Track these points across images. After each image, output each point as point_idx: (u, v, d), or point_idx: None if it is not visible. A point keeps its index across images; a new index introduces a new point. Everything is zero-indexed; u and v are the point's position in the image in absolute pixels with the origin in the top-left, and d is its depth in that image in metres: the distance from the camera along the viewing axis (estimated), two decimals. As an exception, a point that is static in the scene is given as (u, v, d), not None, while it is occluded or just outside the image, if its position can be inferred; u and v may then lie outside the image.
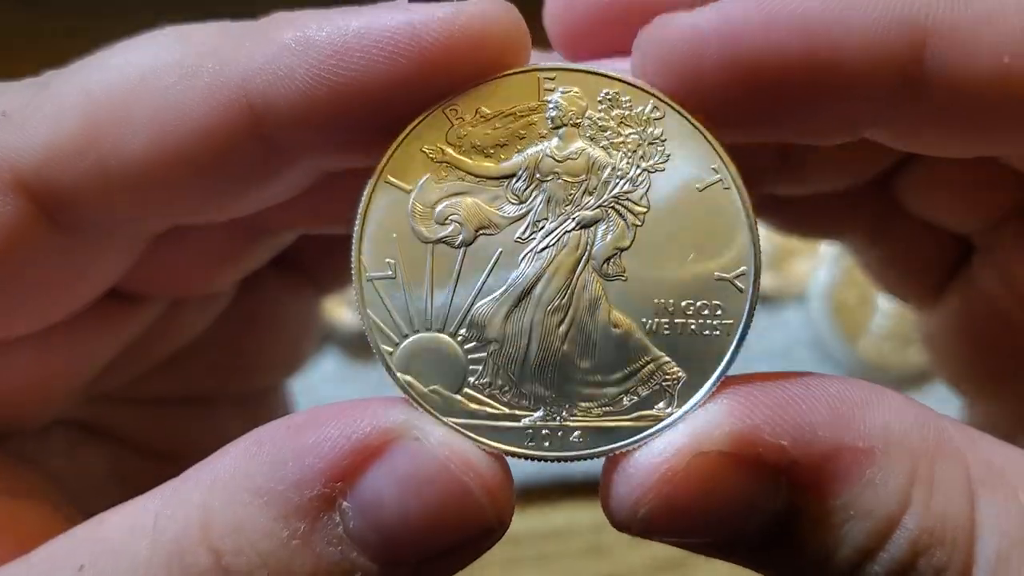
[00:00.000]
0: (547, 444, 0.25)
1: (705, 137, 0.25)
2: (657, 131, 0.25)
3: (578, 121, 0.25)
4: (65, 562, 0.24)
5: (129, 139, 0.25)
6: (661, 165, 0.25)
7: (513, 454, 0.25)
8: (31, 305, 0.28)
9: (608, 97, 0.25)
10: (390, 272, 0.25)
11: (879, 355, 0.65)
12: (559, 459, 0.25)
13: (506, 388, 0.25)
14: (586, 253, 0.25)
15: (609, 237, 0.25)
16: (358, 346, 0.66)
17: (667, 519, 0.23)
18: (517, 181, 0.25)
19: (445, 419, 0.25)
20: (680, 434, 0.24)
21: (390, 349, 0.25)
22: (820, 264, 0.68)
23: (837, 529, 0.23)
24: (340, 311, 0.66)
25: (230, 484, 0.23)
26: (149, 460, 0.36)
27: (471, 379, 0.25)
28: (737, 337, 0.25)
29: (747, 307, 0.25)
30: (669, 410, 0.25)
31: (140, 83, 0.25)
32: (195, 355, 0.36)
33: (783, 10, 0.24)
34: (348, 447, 0.23)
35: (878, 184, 0.37)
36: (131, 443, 0.36)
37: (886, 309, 0.67)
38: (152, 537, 0.23)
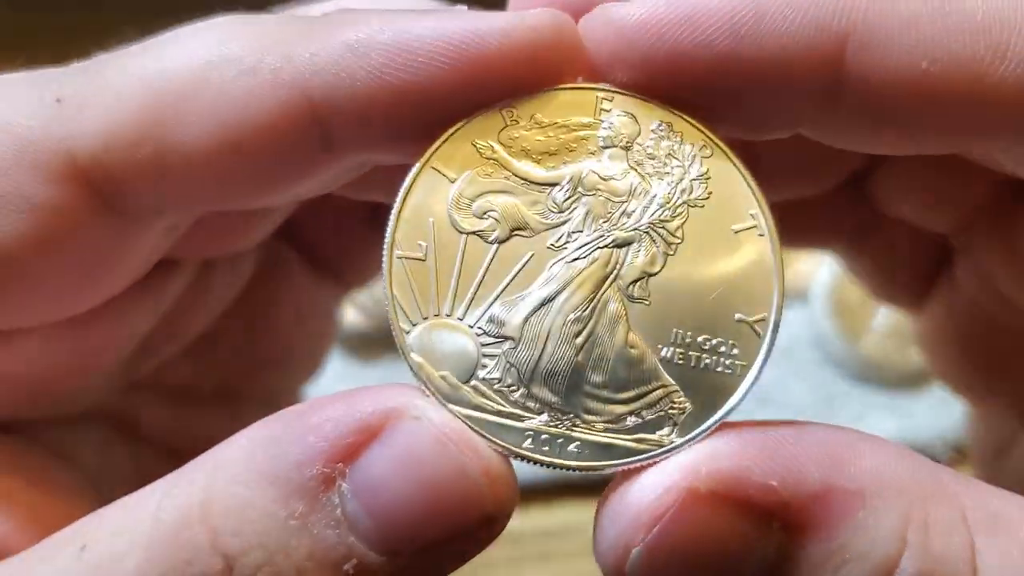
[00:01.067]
0: (545, 449, 0.25)
1: (748, 183, 0.26)
2: (703, 169, 0.26)
3: (628, 145, 0.26)
4: (68, 544, 0.24)
5: (187, 131, 0.25)
6: (701, 202, 0.26)
7: (510, 452, 0.25)
8: (81, 287, 0.28)
9: (660, 128, 0.26)
10: (421, 254, 0.25)
11: (881, 354, 0.65)
12: (554, 466, 0.25)
13: (514, 387, 0.25)
14: (615, 272, 0.26)
15: (640, 260, 0.26)
16: (360, 346, 0.67)
17: (661, 562, 0.23)
18: (559, 191, 0.26)
19: (449, 406, 0.25)
20: (669, 473, 0.24)
21: (407, 328, 0.25)
22: (822, 264, 0.68)
23: (833, 573, 0.23)
24: (345, 310, 0.67)
25: (233, 466, 0.23)
26: (172, 461, 0.36)
27: (481, 372, 0.25)
28: (749, 380, 0.25)
29: (763, 353, 0.25)
30: (671, 438, 0.25)
31: (200, 75, 0.25)
32: (220, 341, 0.37)
33: (708, 6, 0.25)
34: (348, 426, 0.23)
35: (854, 189, 0.37)
36: (157, 443, 0.36)
37: (888, 308, 0.67)
38: (154, 517, 0.23)
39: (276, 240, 0.37)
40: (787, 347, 0.67)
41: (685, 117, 0.26)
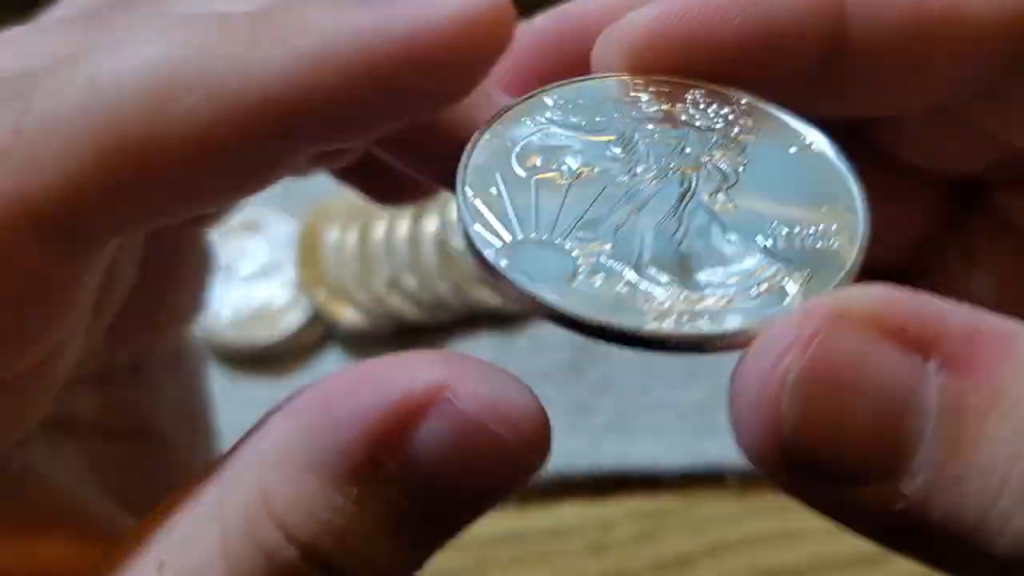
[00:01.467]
0: (682, 324, 0.23)
1: (791, 115, 0.27)
2: (747, 121, 0.27)
3: (670, 105, 0.27)
4: (145, 564, 0.24)
5: (150, 164, 0.24)
6: (752, 137, 0.27)
7: (650, 336, 0.23)
8: (43, 335, 0.27)
9: (694, 98, 0.27)
10: (495, 193, 0.25)
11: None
12: (694, 340, 0.23)
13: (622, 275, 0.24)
14: (692, 189, 0.26)
15: (714, 176, 0.26)
16: (359, 345, 0.67)
17: (820, 393, 0.21)
18: (619, 140, 0.26)
19: (561, 308, 0.23)
20: (814, 305, 0.22)
21: (496, 245, 0.24)
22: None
23: (1007, 418, 0.21)
24: (341, 309, 0.66)
25: (279, 462, 0.24)
26: (113, 443, 0.36)
27: (581, 277, 0.24)
28: (859, 245, 0.24)
29: (862, 224, 0.25)
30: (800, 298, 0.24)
31: (154, 106, 0.24)
32: (126, 315, 0.36)
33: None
34: (384, 414, 0.23)
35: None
36: (96, 429, 0.36)
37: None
38: (220, 522, 0.24)
39: None
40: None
41: (714, 86, 0.27)
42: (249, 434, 0.25)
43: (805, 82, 0.28)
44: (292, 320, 0.66)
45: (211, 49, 0.24)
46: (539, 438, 0.24)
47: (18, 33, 0.28)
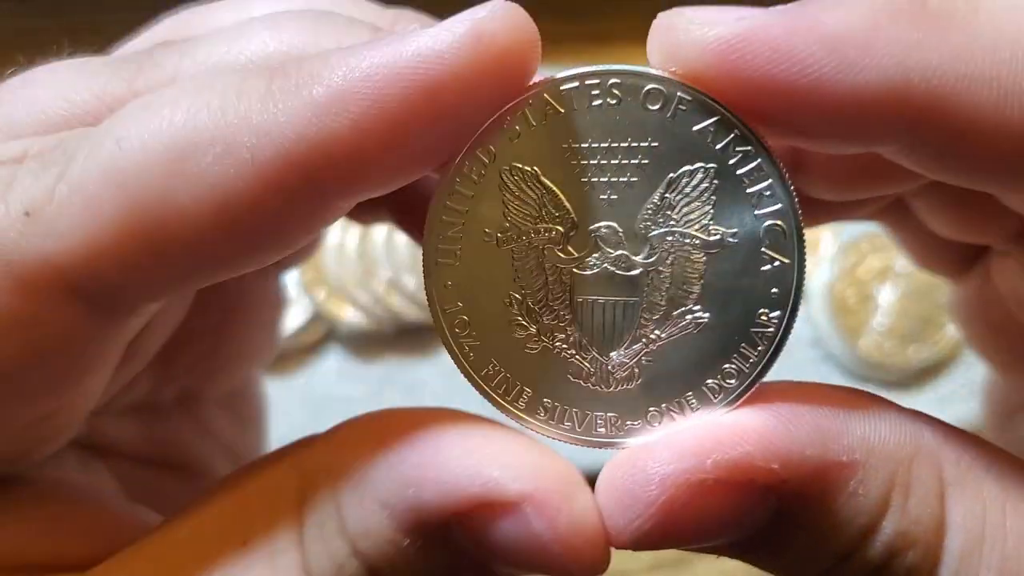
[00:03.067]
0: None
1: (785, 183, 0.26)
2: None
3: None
4: (227, 537, 0.26)
5: (172, 224, 0.24)
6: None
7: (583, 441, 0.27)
8: (68, 386, 0.27)
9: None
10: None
11: (880, 353, 0.66)
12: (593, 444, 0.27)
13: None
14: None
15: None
16: (360, 345, 0.67)
17: (660, 533, 0.25)
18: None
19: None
20: (676, 456, 0.24)
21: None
22: (820, 263, 0.69)
23: (820, 536, 0.25)
24: (341, 309, 0.67)
25: (358, 487, 0.25)
26: (147, 469, 0.36)
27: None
28: (772, 345, 0.26)
29: (786, 315, 0.26)
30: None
31: (176, 168, 0.24)
32: (177, 351, 0.36)
33: (791, 48, 0.24)
34: (464, 499, 0.24)
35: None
36: (131, 455, 0.36)
37: (886, 308, 0.67)
38: (299, 521, 0.25)
39: None
40: (787, 346, 0.67)
41: (736, 119, 0.25)
42: (333, 434, 0.26)
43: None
44: (293, 320, 0.66)
45: (228, 107, 0.24)
46: (599, 565, 0.25)
47: (67, 75, 0.28)
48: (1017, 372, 0.41)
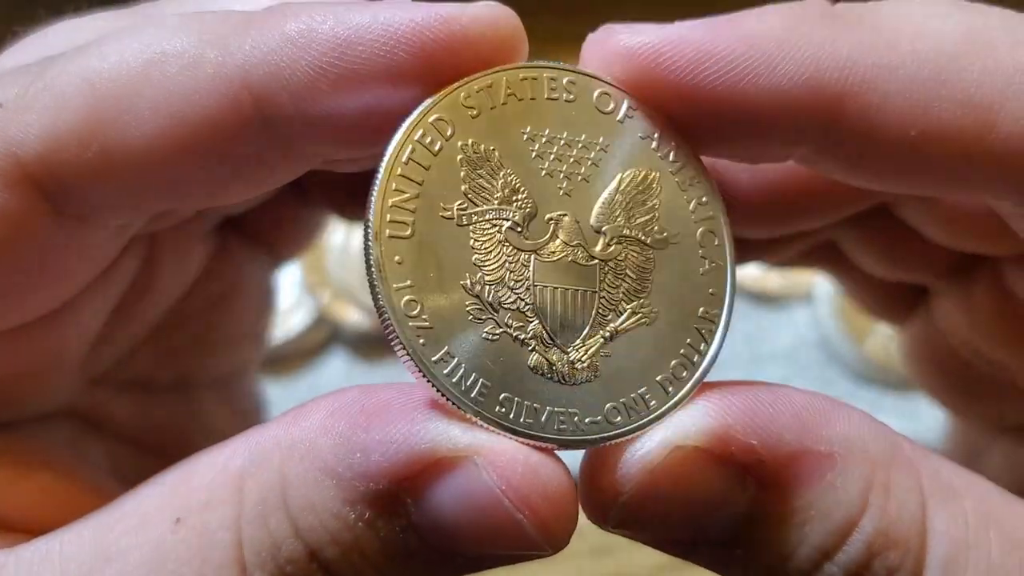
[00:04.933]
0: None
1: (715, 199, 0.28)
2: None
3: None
4: (159, 514, 0.25)
5: (133, 129, 0.25)
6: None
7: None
8: (35, 292, 0.28)
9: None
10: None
11: (885, 355, 0.65)
12: (551, 441, 0.25)
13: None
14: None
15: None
16: (364, 345, 0.67)
17: (644, 508, 0.24)
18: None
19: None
20: (660, 430, 0.25)
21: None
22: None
23: (798, 528, 0.25)
24: (345, 310, 0.67)
25: (305, 457, 0.24)
26: (142, 456, 0.37)
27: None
28: (717, 340, 0.27)
29: (724, 312, 0.27)
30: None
31: (142, 72, 0.25)
32: (176, 329, 0.37)
33: (713, 48, 0.25)
34: (411, 457, 0.24)
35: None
36: (127, 438, 0.36)
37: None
38: (239, 497, 0.25)
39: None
40: (792, 347, 0.67)
41: (673, 131, 0.27)
42: (287, 413, 0.26)
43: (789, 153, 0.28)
44: (297, 321, 0.66)
45: (206, 30, 0.25)
46: (559, 526, 0.24)
47: (74, 22, 0.30)
48: (971, 412, 0.41)
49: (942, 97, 0.25)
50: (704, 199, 0.27)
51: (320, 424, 0.24)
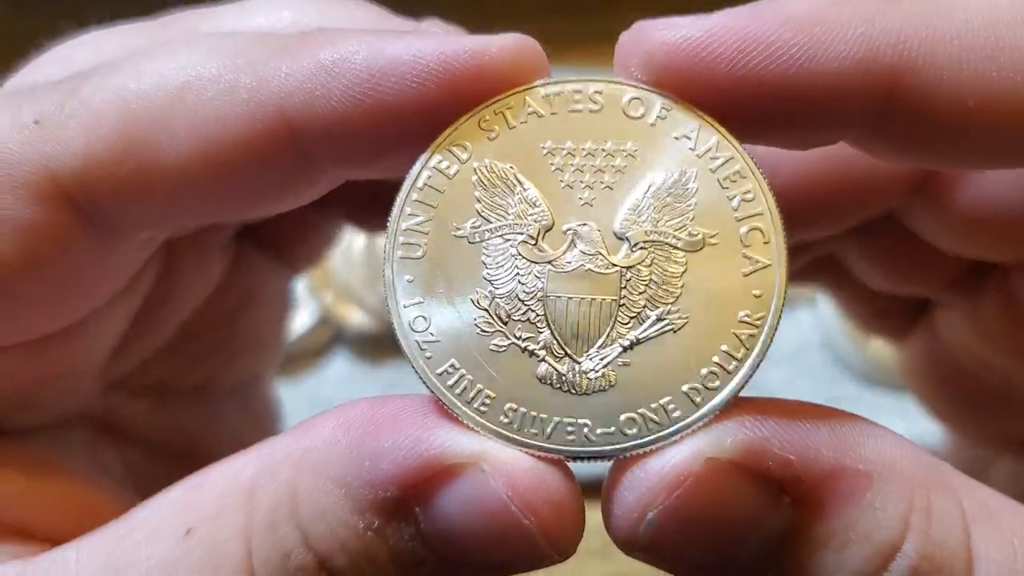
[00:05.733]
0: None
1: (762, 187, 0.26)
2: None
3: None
4: (171, 526, 0.25)
5: (167, 149, 0.26)
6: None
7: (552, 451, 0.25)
8: (66, 303, 0.28)
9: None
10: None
11: (889, 356, 0.65)
12: (585, 455, 0.25)
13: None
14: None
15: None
16: (367, 348, 0.67)
17: (675, 527, 0.24)
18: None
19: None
20: (692, 442, 0.24)
21: None
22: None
23: (836, 552, 0.24)
24: (348, 311, 0.67)
25: (315, 467, 0.24)
26: (159, 462, 0.37)
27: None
28: (759, 345, 0.25)
29: (771, 315, 0.25)
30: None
31: (178, 94, 0.26)
32: (194, 336, 0.37)
33: (758, 33, 0.25)
34: (420, 464, 0.24)
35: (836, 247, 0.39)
36: (143, 442, 0.37)
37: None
38: (249, 507, 0.25)
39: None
40: (796, 349, 0.67)
41: (716, 126, 0.26)
42: (298, 426, 0.26)
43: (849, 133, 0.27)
44: (300, 322, 0.66)
45: (240, 54, 0.26)
46: (566, 533, 0.24)
47: (98, 35, 0.31)
48: (974, 427, 0.41)
49: (1000, 65, 0.24)
50: (750, 195, 0.26)
51: (330, 435, 0.25)
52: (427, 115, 0.26)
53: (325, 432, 0.25)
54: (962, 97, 0.25)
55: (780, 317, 0.25)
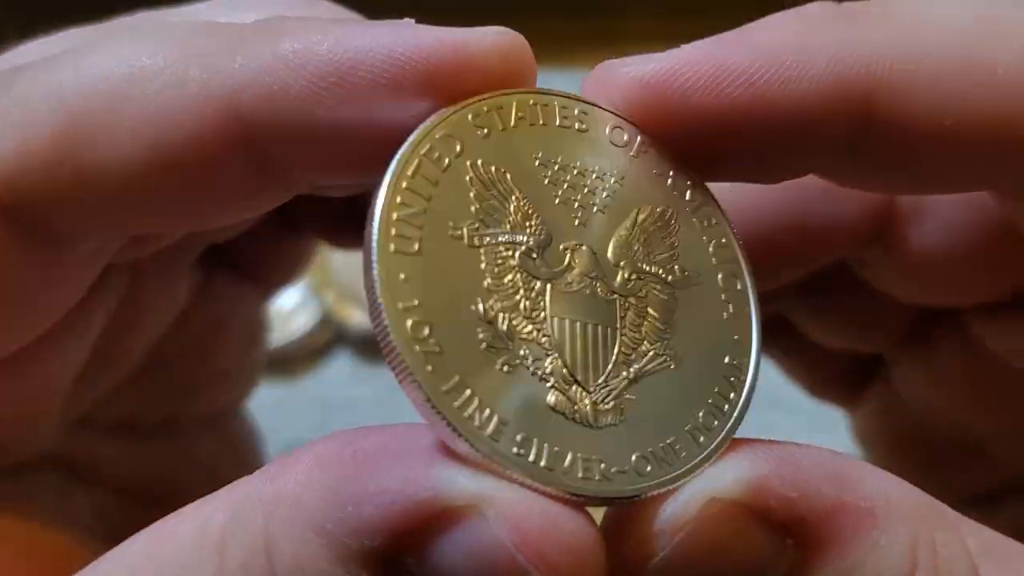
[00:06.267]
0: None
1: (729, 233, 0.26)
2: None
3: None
4: (136, 573, 0.23)
5: (108, 150, 0.23)
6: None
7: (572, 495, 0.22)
8: (7, 325, 0.26)
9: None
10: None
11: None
12: (585, 497, 0.22)
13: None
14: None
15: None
16: (369, 347, 0.67)
17: (681, 569, 0.22)
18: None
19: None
20: (696, 483, 0.23)
21: None
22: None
23: None
24: (350, 311, 0.66)
25: (291, 513, 0.21)
26: (131, 504, 0.35)
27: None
28: (745, 391, 0.25)
29: (752, 362, 0.25)
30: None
31: (120, 89, 0.23)
32: (161, 368, 0.35)
33: (731, 62, 0.24)
34: (411, 509, 0.21)
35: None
36: (113, 484, 0.35)
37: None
38: (221, 559, 0.22)
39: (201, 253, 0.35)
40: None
41: (689, 170, 0.26)
42: (270, 466, 0.23)
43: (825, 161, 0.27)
44: (302, 322, 0.66)
45: (191, 44, 0.24)
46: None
47: (51, 37, 0.28)
48: (935, 486, 0.40)
49: (975, 81, 0.24)
50: (723, 240, 0.26)
51: (305, 476, 0.21)
52: (400, 113, 0.23)
53: (299, 472, 0.22)
54: (939, 116, 0.24)
55: (759, 363, 0.25)
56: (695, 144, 0.25)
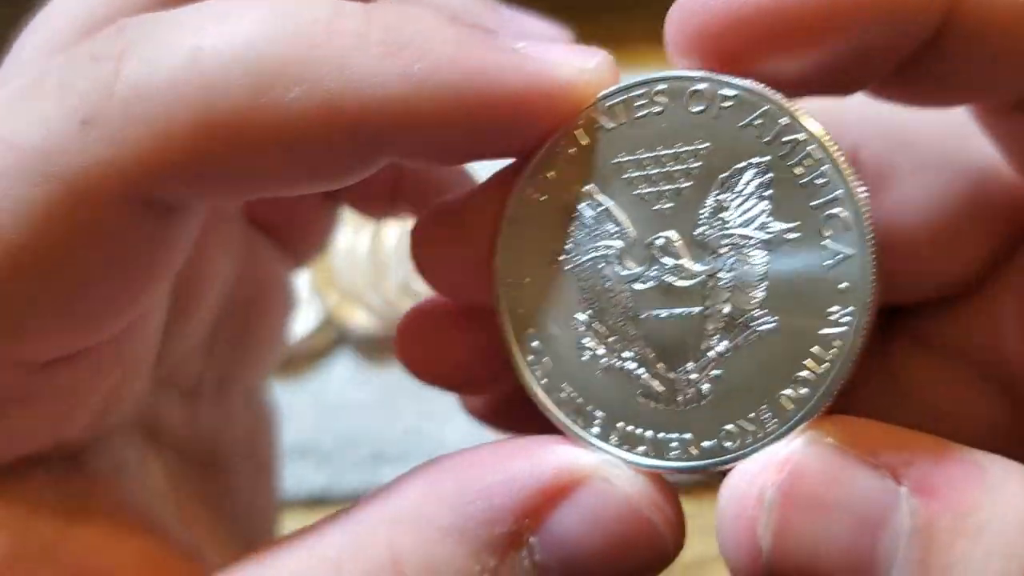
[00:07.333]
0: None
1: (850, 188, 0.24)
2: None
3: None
4: None
5: (243, 148, 0.23)
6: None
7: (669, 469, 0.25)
8: (138, 299, 0.26)
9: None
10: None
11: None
12: (688, 469, 0.25)
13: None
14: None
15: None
16: (371, 347, 0.66)
17: (796, 505, 0.22)
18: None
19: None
20: (790, 440, 0.23)
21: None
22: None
23: (974, 541, 0.21)
24: (353, 312, 0.66)
25: (417, 522, 0.23)
26: (190, 465, 0.36)
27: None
28: (847, 345, 0.23)
29: (859, 309, 0.23)
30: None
31: (255, 94, 0.23)
32: (216, 331, 0.36)
33: None
34: (537, 487, 0.23)
35: None
36: (174, 446, 0.35)
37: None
38: None
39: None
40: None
41: (784, 105, 0.24)
42: (374, 493, 0.25)
43: (893, 66, 0.25)
44: (304, 323, 0.66)
45: (319, 44, 0.23)
46: (681, 531, 0.24)
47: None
48: None
49: None
50: (826, 180, 0.24)
51: (423, 492, 0.24)
52: (513, 130, 0.25)
53: (416, 490, 0.24)
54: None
55: (873, 311, 0.23)
56: (782, 63, 0.24)
